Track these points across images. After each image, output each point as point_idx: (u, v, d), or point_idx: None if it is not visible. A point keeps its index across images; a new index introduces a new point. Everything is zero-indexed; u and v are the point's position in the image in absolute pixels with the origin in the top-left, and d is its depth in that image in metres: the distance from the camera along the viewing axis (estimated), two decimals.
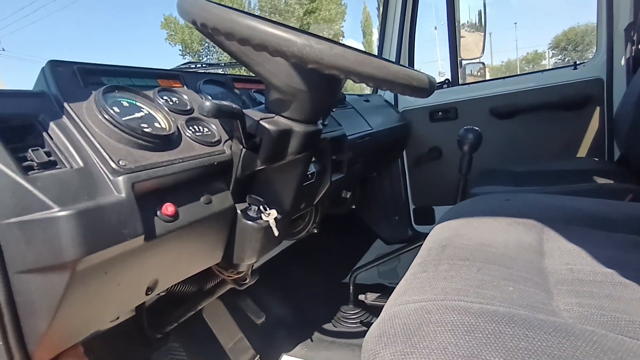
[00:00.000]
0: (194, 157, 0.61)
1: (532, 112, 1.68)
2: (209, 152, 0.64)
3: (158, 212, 0.53)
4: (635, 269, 0.53)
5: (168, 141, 0.59)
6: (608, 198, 0.88)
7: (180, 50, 19.19)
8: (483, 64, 2.17)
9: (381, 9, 1.96)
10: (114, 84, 0.61)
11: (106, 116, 0.54)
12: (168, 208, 0.54)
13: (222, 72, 1.17)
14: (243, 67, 0.71)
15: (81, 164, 0.48)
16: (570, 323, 0.37)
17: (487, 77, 2.16)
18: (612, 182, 1.18)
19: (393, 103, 1.88)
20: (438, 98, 1.81)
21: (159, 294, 0.79)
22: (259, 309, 1.16)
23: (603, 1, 1.55)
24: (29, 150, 0.46)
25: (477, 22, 1.89)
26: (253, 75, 0.65)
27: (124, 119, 0.55)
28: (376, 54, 1.93)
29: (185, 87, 0.76)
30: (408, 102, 1.87)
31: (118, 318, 0.78)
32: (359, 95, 1.68)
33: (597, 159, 1.56)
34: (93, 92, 0.57)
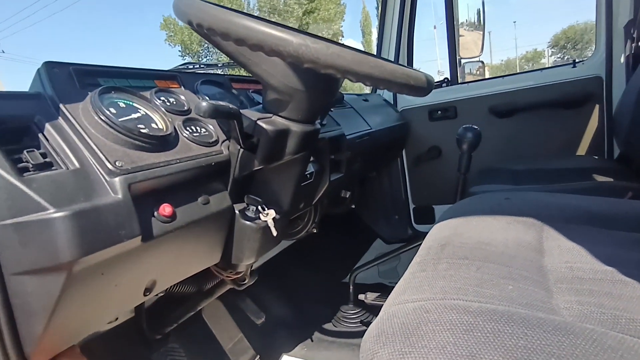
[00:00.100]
0: (191, 158, 0.60)
1: (531, 110, 1.67)
2: (206, 153, 0.64)
3: (155, 213, 0.53)
4: (636, 267, 0.53)
5: (165, 142, 0.59)
6: (608, 196, 0.88)
7: (179, 51, 19.19)
8: (482, 62, 2.17)
9: (380, 8, 1.95)
10: (110, 85, 0.61)
11: (102, 117, 0.53)
12: (165, 209, 0.54)
13: (221, 73, 1.16)
14: (241, 68, 0.71)
15: (77, 165, 0.48)
16: (569, 321, 0.37)
17: (487, 76, 2.15)
18: (611, 180, 1.18)
19: (392, 102, 1.88)
20: (437, 97, 1.81)
21: (157, 295, 0.79)
22: (258, 309, 1.15)
23: None
24: (25, 152, 0.46)
25: (475, 20, 1.89)
26: (251, 75, 0.65)
27: (120, 119, 0.55)
28: (375, 53, 1.93)
29: (182, 87, 0.76)
30: (407, 101, 1.86)
31: (117, 319, 0.77)
32: (357, 94, 1.68)
33: (596, 157, 1.56)
34: (89, 93, 0.57)
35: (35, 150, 0.47)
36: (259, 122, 0.63)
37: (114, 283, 0.50)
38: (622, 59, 1.50)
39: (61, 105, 0.53)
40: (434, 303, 0.42)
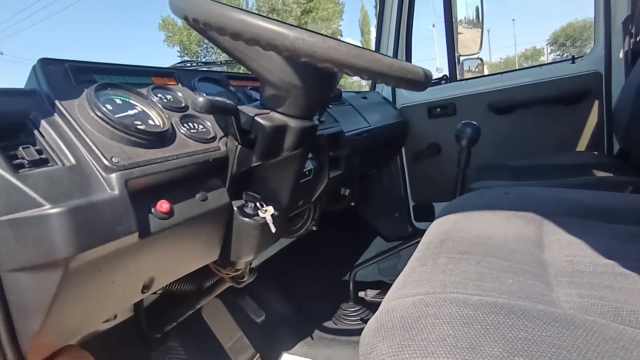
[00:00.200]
0: (188, 154, 0.60)
1: (530, 106, 1.67)
2: (203, 149, 0.63)
3: (152, 209, 0.53)
4: (636, 260, 0.53)
5: (162, 138, 0.58)
6: (608, 191, 0.88)
7: (178, 51, 19.19)
8: (481, 59, 2.16)
9: (378, 6, 1.95)
10: (106, 81, 0.61)
11: (98, 113, 0.53)
12: (163, 205, 0.54)
13: (219, 70, 1.16)
14: (239, 66, 0.71)
15: (73, 161, 0.48)
16: (570, 313, 0.37)
17: (486, 73, 2.15)
18: (611, 175, 1.17)
19: (391, 100, 1.88)
20: (436, 94, 1.81)
21: (156, 293, 0.78)
22: (258, 308, 1.15)
23: None
24: (20, 148, 0.45)
25: (474, 18, 1.88)
26: (249, 72, 0.65)
27: (116, 116, 0.55)
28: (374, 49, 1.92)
29: (179, 84, 0.76)
30: (406, 98, 1.86)
31: (116, 317, 0.77)
32: (356, 92, 1.67)
33: (596, 153, 1.56)
34: (85, 89, 0.56)
35: (30, 146, 0.46)
36: (256, 118, 0.62)
37: (111, 280, 0.50)
38: (621, 55, 1.49)
39: (57, 102, 0.52)
40: (433, 297, 0.42)
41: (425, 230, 0.74)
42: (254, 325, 1.13)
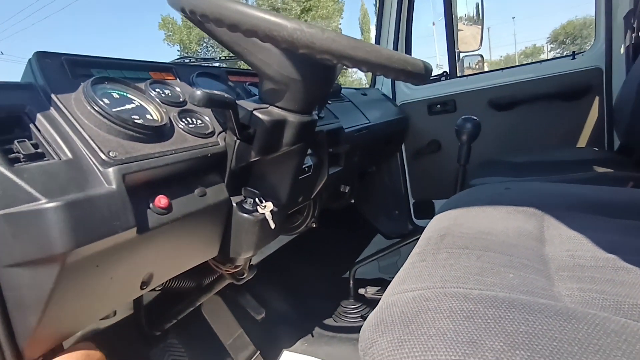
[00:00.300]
0: (186, 149, 0.59)
1: (531, 102, 1.66)
2: (202, 144, 0.63)
3: (151, 205, 0.52)
4: (637, 254, 0.52)
5: (160, 132, 0.58)
6: (609, 186, 0.87)
7: (178, 50, 19.16)
8: (481, 56, 2.15)
9: (378, 4, 1.94)
10: (103, 75, 0.60)
11: (95, 107, 0.53)
12: (161, 200, 0.53)
13: (217, 66, 1.15)
14: (238, 62, 0.70)
15: (70, 155, 0.47)
16: (571, 307, 0.36)
17: (486, 70, 2.14)
18: (612, 170, 1.17)
19: (391, 97, 1.87)
20: (436, 90, 1.80)
21: (155, 289, 0.78)
22: (258, 305, 1.15)
23: None
24: (15, 142, 0.45)
25: (474, 15, 1.88)
26: (248, 68, 0.64)
27: (114, 110, 0.54)
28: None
29: (178, 79, 0.75)
30: (406, 95, 1.85)
31: (116, 314, 0.77)
32: (356, 89, 1.67)
33: (596, 149, 1.55)
34: (82, 83, 0.56)
35: (26, 140, 0.46)
36: (255, 112, 0.62)
37: (109, 276, 0.50)
38: (622, 50, 1.49)
39: (53, 96, 0.52)
40: (433, 291, 0.41)
41: (425, 227, 0.74)
42: (254, 323, 1.13)
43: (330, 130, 0.99)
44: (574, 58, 1.64)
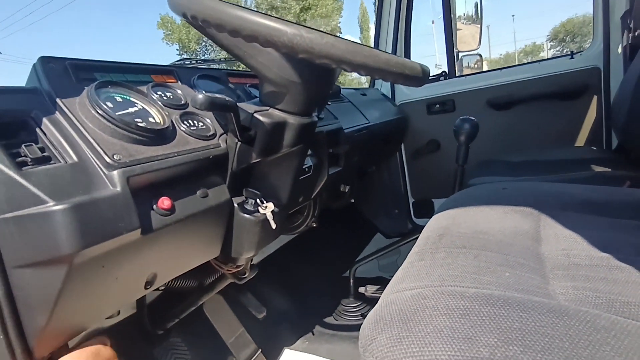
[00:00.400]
0: (189, 151, 0.60)
1: (529, 102, 1.68)
2: (204, 146, 0.64)
3: (154, 206, 0.53)
4: (632, 253, 0.53)
5: (162, 135, 0.59)
6: (606, 185, 0.88)
7: (177, 50, 19.16)
8: (480, 55, 2.16)
9: (377, 3, 1.94)
10: (107, 79, 0.61)
11: (99, 111, 0.54)
12: (164, 202, 0.54)
13: (218, 68, 1.16)
14: (238, 63, 0.71)
15: (75, 159, 0.48)
16: (564, 305, 0.37)
17: (485, 69, 2.15)
18: (609, 170, 1.18)
19: (390, 96, 1.88)
20: (435, 90, 1.81)
21: (159, 289, 0.79)
22: (260, 304, 1.16)
23: None
24: (23, 146, 0.46)
25: (473, 14, 1.88)
26: (248, 70, 0.65)
27: (117, 113, 0.55)
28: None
29: (179, 82, 0.76)
30: (405, 95, 1.86)
31: (119, 313, 0.78)
32: (355, 89, 1.68)
33: (594, 148, 1.56)
34: (85, 87, 0.57)
35: (33, 144, 0.47)
36: (255, 114, 0.63)
37: (114, 276, 0.51)
38: (620, 50, 1.50)
39: (58, 100, 0.53)
40: (431, 290, 0.43)
41: (424, 226, 0.75)
42: (256, 321, 1.14)
43: (330, 131, 1.00)
44: (572, 57, 1.65)
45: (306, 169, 0.88)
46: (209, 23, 0.49)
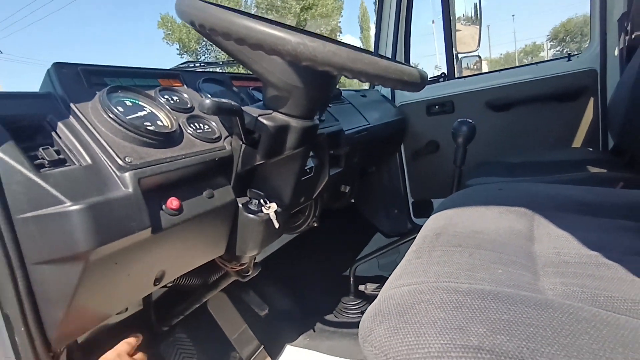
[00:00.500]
0: (195, 154, 0.63)
1: (527, 104, 1.70)
2: (210, 149, 0.66)
3: (163, 206, 0.56)
4: (620, 251, 0.56)
5: (170, 138, 0.61)
6: (600, 186, 0.91)
7: (177, 49, 19.16)
8: (479, 57, 2.18)
9: (377, 3, 1.96)
10: (116, 84, 0.64)
11: (111, 115, 0.56)
12: (173, 202, 0.57)
13: (220, 71, 1.19)
14: (240, 65, 0.74)
15: (89, 161, 0.51)
16: (551, 299, 0.40)
17: (484, 70, 2.18)
18: (605, 171, 1.20)
19: (390, 98, 1.90)
20: (434, 92, 1.83)
21: (166, 286, 0.82)
22: (262, 302, 1.19)
23: None
24: (40, 149, 0.48)
25: (472, 15, 1.90)
26: (251, 73, 0.68)
27: (128, 117, 0.58)
28: (373, 49, 1.95)
29: (185, 86, 0.79)
30: (405, 96, 1.89)
31: (127, 310, 0.81)
32: (356, 90, 1.70)
33: (591, 149, 1.58)
34: (97, 92, 0.59)
35: (49, 147, 0.50)
36: (260, 118, 0.65)
37: (126, 272, 0.53)
38: (616, 52, 1.52)
39: (71, 105, 0.55)
40: (427, 285, 0.45)
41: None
42: (258, 318, 1.17)
43: (330, 133, 1.02)
44: (569, 60, 1.67)
45: (308, 170, 0.91)
46: (216, 31, 0.52)
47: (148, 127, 0.59)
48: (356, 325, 1.31)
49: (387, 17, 1.87)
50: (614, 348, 0.30)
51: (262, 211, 0.73)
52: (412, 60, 1.98)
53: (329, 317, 1.34)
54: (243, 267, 0.86)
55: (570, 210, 0.74)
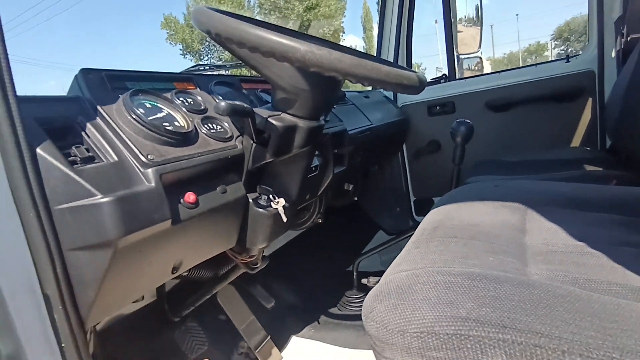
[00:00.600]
0: (210, 152, 0.68)
1: (527, 104, 1.74)
2: (222, 147, 0.71)
3: (181, 200, 0.61)
4: (604, 242, 0.60)
5: (187, 138, 0.66)
6: (594, 184, 0.95)
7: (180, 50, 19.28)
8: (480, 58, 2.22)
9: (379, 7, 2.01)
10: (137, 88, 0.69)
11: (134, 116, 0.61)
12: (190, 196, 0.62)
13: (228, 74, 1.24)
14: (247, 68, 0.78)
15: (115, 158, 0.56)
16: (534, 279, 0.44)
17: (485, 71, 2.22)
18: (600, 169, 1.24)
19: (392, 99, 1.95)
20: (436, 93, 1.88)
21: (179, 277, 0.87)
22: (268, 295, 1.24)
23: None
24: (72, 147, 0.53)
25: (474, 16, 1.94)
26: (259, 76, 0.73)
27: (149, 118, 0.63)
28: (375, 51, 1.99)
29: (198, 88, 0.84)
30: (407, 97, 1.93)
31: (143, 298, 0.86)
32: (359, 92, 1.75)
33: (588, 149, 1.62)
34: (120, 95, 0.64)
35: (80, 145, 0.55)
36: (269, 119, 0.70)
37: (149, 260, 0.58)
38: (613, 54, 1.56)
39: (98, 107, 0.61)
40: (424, 270, 0.50)
41: None
42: (265, 311, 1.22)
43: (334, 133, 1.07)
44: (568, 61, 1.71)
45: (313, 168, 0.96)
46: (231, 40, 0.57)
47: (167, 127, 0.64)
48: (359, 317, 1.36)
49: (390, 18, 1.92)
50: (583, 317, 0.35)
51: (271, 206, 0.78)
52: (416, 61, 2.02)
53: (333, 310, 1.39)
54: (252, 259, 0.91)
55: (561, 205, 0.78)
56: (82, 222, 0.50)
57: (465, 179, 1.36)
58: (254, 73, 0.79)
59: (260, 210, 0.77)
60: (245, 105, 0.66)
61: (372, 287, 1.32)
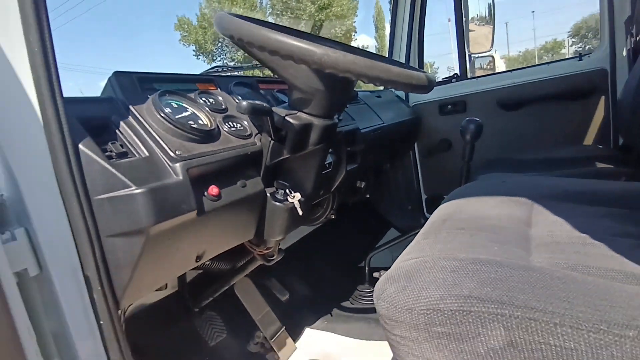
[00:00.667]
0: (231, 148, 0.73)
1: (539, 103, 1.75)
2: (243, 144, 0.76)
3: (205, 193, 0.66)
4: (607, 234, 0.63)
5: (210, 135, 0.71)
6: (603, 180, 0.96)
7: (194, 50, 19.53)
8: (492, 57, 2.24)
9: (391, 8, 2.04)
10: (164, 89, 0.74)
11: (162, 115, 0.66)
12: (213, 190, 0.67)
13: (245, 74, 1.29)
14: (264, 69, 0.83)
15: (147, 153, 0.61)
16: (534, 264, 0.48)
17: (499, 69, 2.22)
18: (611, 167, 1.25)
19: (404, 98, 1.98)
20: (447, 92, 1.90)
21: (199, 268, 0.92)
22: (283, 288, 1.28)
23: None
24: (109, 144, 0.59)
25: (486, 15, 1.95)
26: (275, 77, 0.77)
27: (176, 117, 0.68)
28: (388, 51, 2.03)
29: (218, 89, 0.89)
30: (418, 96, 1.95)
31: (167, 287, 0.91)
32: (371, 91, 1.78)
33: (601, 146, 1.62)
34: (149, 96, 0.70)
35: (115, 142, 0.60)
36: (287, 117, 0.75)
37: (176, 247, 0.63)
38: (624, 53, 1.56)
39: (130, 107, 0.66)
40: (431, 257, 0.53)
41: None
42: (280, 303, 1.27)
43: (347, 131, 1.11)
44: (580, 59, 1.72)
45: (327, 165, 1.00)
46: (252, 44, 0.61)
47: (192, 125, 0.69)
48: (370, 310, 1.40)
49: (402, 18, 1.94)
50: (576, 296, 0.38)
51: (287, 200, 0.82)
52: (428, 60, 2.05)
53: (345, 303, 1.43)
54: (269, 251, 0.95)
55: (567, 200, 0.81)
56: (118, 211, 0.55)
57: (475, 176, 1.38)
58: (269, 74, 0.83)
59: (278, 203, 0.81)
60: (264, 104, 0.71)
61: None
